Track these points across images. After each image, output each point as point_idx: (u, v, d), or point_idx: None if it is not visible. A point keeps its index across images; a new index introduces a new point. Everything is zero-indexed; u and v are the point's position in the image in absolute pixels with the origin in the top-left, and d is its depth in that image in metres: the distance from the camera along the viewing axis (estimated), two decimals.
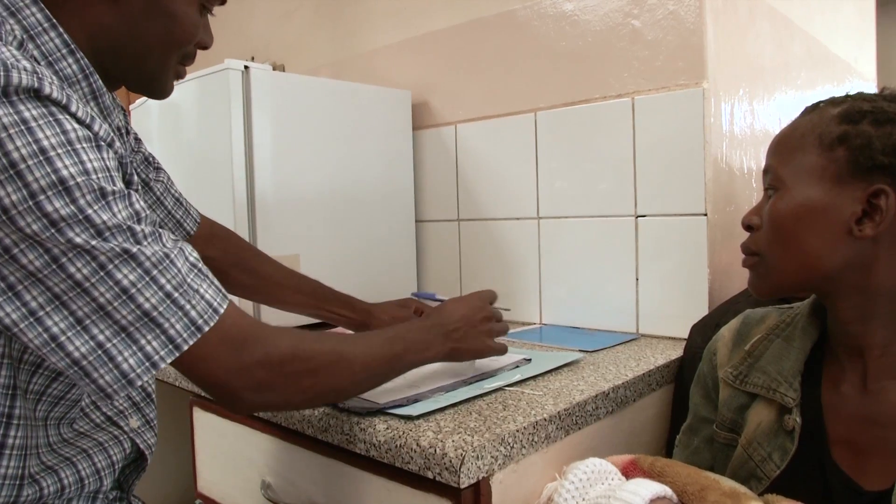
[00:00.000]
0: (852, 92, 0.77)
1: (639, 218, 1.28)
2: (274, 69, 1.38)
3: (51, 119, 0.56)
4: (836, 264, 0.71)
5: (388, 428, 0.80)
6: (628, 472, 0.81)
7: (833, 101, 0.76)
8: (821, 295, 0.78)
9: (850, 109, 0.72)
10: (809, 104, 0.79)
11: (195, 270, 0.63)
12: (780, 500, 0.72)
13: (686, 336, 1.14)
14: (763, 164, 0.80)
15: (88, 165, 0.57)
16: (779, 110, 1.50)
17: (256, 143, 1.31)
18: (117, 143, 0.65)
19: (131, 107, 1.62)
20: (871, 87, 2.37)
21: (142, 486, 1.04)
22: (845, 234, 0.70)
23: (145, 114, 1.55)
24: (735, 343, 0.87)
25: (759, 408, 0.80)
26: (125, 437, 0.79)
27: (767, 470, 0.77)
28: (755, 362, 0.83)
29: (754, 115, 1.39)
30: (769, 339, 0.83)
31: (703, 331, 1.09)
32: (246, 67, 1.30)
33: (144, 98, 1.54)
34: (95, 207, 0.57)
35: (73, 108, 0.59)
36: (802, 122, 0.76)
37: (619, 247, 1.31)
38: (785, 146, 0.76)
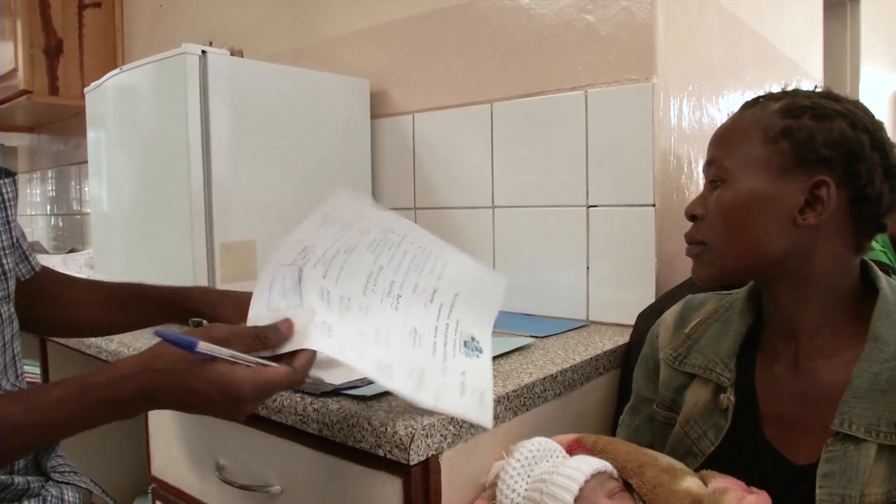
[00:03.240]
0: (789, 89, 0.81)
1: (590, 208, 1.32)
2: (232, 54, 1.37)
3: None
4: (779, 252, 0.74)
5: (340, 408, 0.82)
6: (573, 450, 0.84)
7: (772, 97, 0.79)
8: (761, 281, 0.81)
9: (791, 105, 0.76)
10: (748, 100, 0.83)
11: None
12: (714, 476, 0.76)
13: (633, 323, 1.18)
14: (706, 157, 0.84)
15: None
16: (726, 107, 1.55)
17: (213, 129, 1.30)
18: None
19: (86, 89, 1.60)
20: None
21: (95, 471, 1.04)
22: (789, 223, 0.73)
23: (100, 98, 1.53)
24: (676, 326, 0.92)
25: (697, 388, 0.84)
26: None
27: (703, 447, 0.81)
28: (694, 344, 0.87)
29: (702, 110, 1.44)
30: (708, 322, 0.88)
31: (649, 318, 1.13)
32: (203, 52, 1.29)
33: (100, 81, 1.52)
34: None
35: None
36: (745, 115, 0.79)
37: (571, 236, 1.35)
38: (729, 139, 0.79)
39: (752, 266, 0.77)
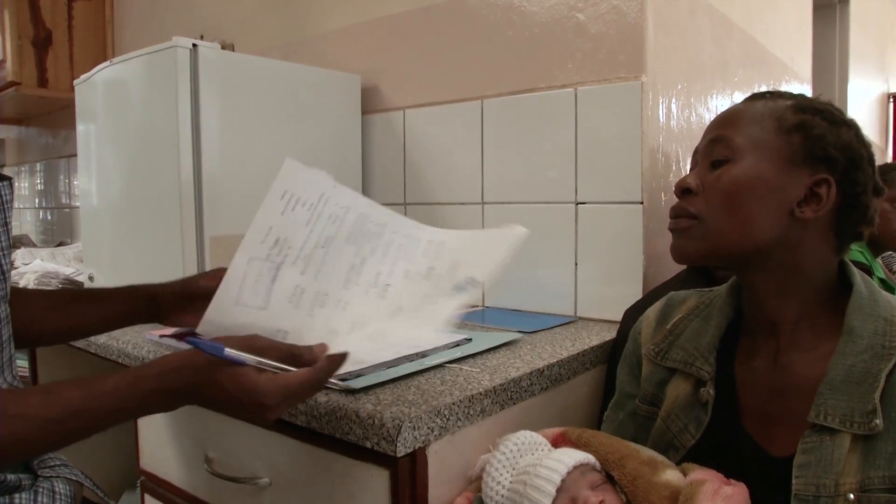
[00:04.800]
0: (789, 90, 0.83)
1: (579, 205, 1.33)
2: (223, 48, 1.38)
3: None
4: (770, 239, 0.75)
5: (329, 401, 0.83)
6: (558, 443, 0.85)
7: (782, 95, 0.81)
8: (743, 269, 0.81)
9: (805, 104, 0.78)
10: (756, 92, 0.84)
11: None
12: (695, 468, 0.77)
13: (620, 319, 1.20)
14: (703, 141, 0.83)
15: None
16: (715, 106, 1.56)
17: (204, 123, 1.31)
18: None
19: (75, 82, 1.59)
20: (806, 88, 2.48)
21: (83, 465, 1.04)
22: (786, 213, 0.75)
23: (90, 90, 1.53)
24: (658, 323, 0.93)
25: (678, 382, 0.86)
26: None
27: (684, 440, 0.82)
28: (675, 340, 0.88)
29: (691, 109, 1.45)
30: (689, 318, 0.89)
31: (636, 314, 1.14)
32: (194, 46, 1.29)
33: (89, 73, 1.52)
34: None
35: None
36: (756, 104, 0.80)
37: (560, 232, 1.36)
38: (739, 120, 0.79)
39: (741, 248, 0.77)
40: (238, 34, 2.06)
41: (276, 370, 0.67)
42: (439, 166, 1.56)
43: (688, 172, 0.84)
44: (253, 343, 0.68)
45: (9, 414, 0.62)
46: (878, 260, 2.13)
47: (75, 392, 0.65)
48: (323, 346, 0.71)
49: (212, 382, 0.66)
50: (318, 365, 0.69)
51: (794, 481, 0.70)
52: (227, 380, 0.65)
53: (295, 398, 0.69)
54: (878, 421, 0.68)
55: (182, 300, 0.93)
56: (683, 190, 0.81)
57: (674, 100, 1.37)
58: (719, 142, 0.79)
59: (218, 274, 0.88)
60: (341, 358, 0.70)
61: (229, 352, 0.65)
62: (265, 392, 0.66)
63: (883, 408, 0.68)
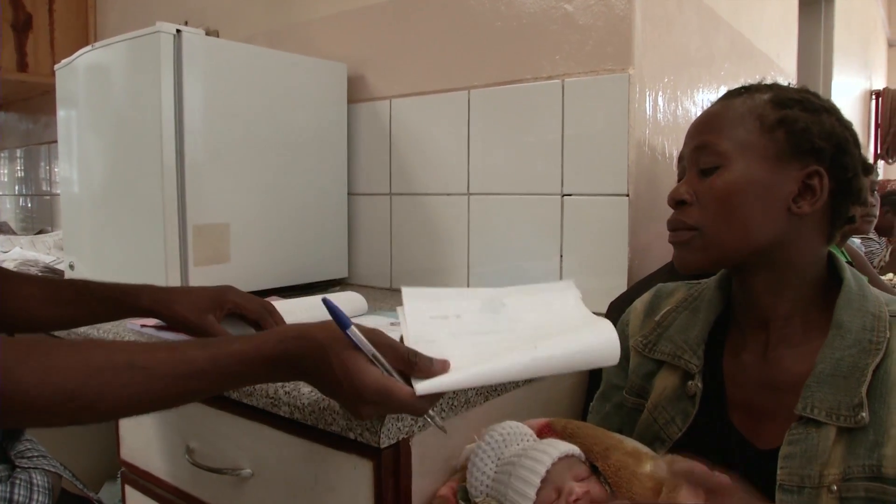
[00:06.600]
0: (767, 82, 0.82)
1: (564, 197, 1.33)
2: (207, 35, 1.35)
3: None
4: (771, 239, 0.75)
5: (312, 391, 0.82)
6: (543, 433, 0.85)
7: (757, 88, 0.80)
8: (744, 269, 0.80)
9: (782, 96, 0.77)
10: (731, 89, 0.83)
11: None
12: (680, 460, 0.77)
13: (605, 312, 1.20)
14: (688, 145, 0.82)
15: None
16: (701, 100, 1.57)
17: (187, 110, 1.29)
18: None
19: (56, 66, 1.56)
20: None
21: (63, 456, 1.03)
22: (784, 211, 0.75)
23: (71, 76, 1.50)
24: (646, 315, 0.93)
25: (665, 374, 0.86)
26: None
27: (670, 432, 0.83)
28: (664, 332, 0.88)
29: (677, 102, 1.46)
30: (678, 310, 0.89)
31: (621, 306, 1.14)
32: (178, 31, 1.27)
33: (71, 58, 1.49)
34: None
35: None
36: (733, 104, 0.79)
37: (545, 224, 1.36)
38: (721, 125, 0.78)
39: (743, 253, 0.77)
40: (223, 20, 2.04)
41: (386, 370, 0.66)
42: (425, 157, 1.55)
43: (676, 178, 0.84)
44: (375, 337, 0.67)
45: (137, 366, 0.62)
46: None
47: (201, 352, 0.66)
48: (444, 364, 0.68)
49: (323, 358, 0.66)
50: (426, 397, 0.66)
51: (778, 472, 0.71)
52: (337, 359, 0.65)
53: (388, 408, 0.68)
54: (864, 414, 0.68)
55: (158, 314, 0.93)
56: (678, 202, 0.80)
57: (660, 93, 1.37)
58: (705, 149, 0.78)
59: (198, 306, 0.93)
60: (440, 395, 0.69)
61: (354, 330, 0.66)
62: (366, 386, 0.65)
63: (868, 401, 0.69)
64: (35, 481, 0.86)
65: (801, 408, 0.72)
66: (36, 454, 0.92)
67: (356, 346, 0.66)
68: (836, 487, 0.68)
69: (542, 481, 0.73)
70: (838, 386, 0.71)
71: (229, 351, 0.66)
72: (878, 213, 2.72)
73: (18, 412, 0.58)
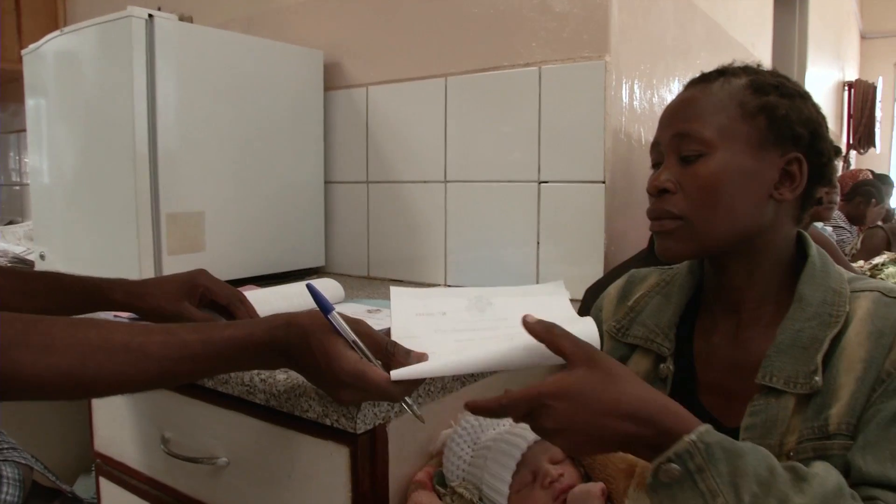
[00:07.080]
0: (738, 65, 0.82)
1: (541, 184, 1.33)
2: (181, 20, 1.33)
3: None
4: (754, 226, 0.76)
5: (287, 378, 0.82)
6: None
7: (733, 72, 0.79)
8: (724, 254, 0.80)
9: (759, 81, 0.77)
10: (705, 72, 0.82)
11: None
12: None
13: (581, 298, 1.20)
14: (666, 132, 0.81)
15: None
16: (677, 89, 1.57)
17: (160, 97, 1.27)
18: None
19: (23, 52, 1.53)
20: None
21: (36, 447, 1.01)
22: (766, 198, 0.75)
23: (39, 62, 1.47)
24: (619, 300, 0.93)
25: (638, 358, 0.87)
26: None
27: None
28: (636, 317, 0.89)
29: (653, 90, 1.46)
30: (650, 295, 0.90)
31: (597, 292, 1.14)
32: (150, 16, 1.25)
33: (38, 43, 1.46)
34: None
35: None
36: (711, 89, 0.78)
37: (522, 211, 1.36)
38: (701, 112, 0.77)
39: (728, 241, 0.76)
40: (197, 5, 2.00)
41: (365, 356, 0.68)
42: (402, 144, 1.55)
43: (650, 165, 0.83)
44: (357, 326, 0.69)
45: (131, 347, 0.64)
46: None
47: (194, 336, 0.67)
48: (420, 356, 0.69)
49: (306, 342, 0.67)
50: (396, 379, 0.67)
51: None
52: (317, 342, 0.67)
53: (366, 392, 0.68)
54: (817, 378, 0.69)
55: (132, 308, 0.93)
56: (660, 190, 0.78)
57: (636, 80, 1.37)
58: (687, 136, 0.77)
59: (171, 294, 0.92)
60: (417, 384, 0.70)
61: (335, 315, 0.67)
62: (343, 369, 0.66)
63: (823, 368, 0.70)
64: (5, 473, 0.85)
65: (760, 377, 0.72)
66: (6, 446, 0.91)
67: (337, 332, 0.67)
68: (792, 454, 0.69)
69: (518, 465, 0.74)
70: (797, 356, 0.72)
71: (222, 336, 0.68)
72: (838, 199, 2.77)
73: (14, 390, 0.59)
